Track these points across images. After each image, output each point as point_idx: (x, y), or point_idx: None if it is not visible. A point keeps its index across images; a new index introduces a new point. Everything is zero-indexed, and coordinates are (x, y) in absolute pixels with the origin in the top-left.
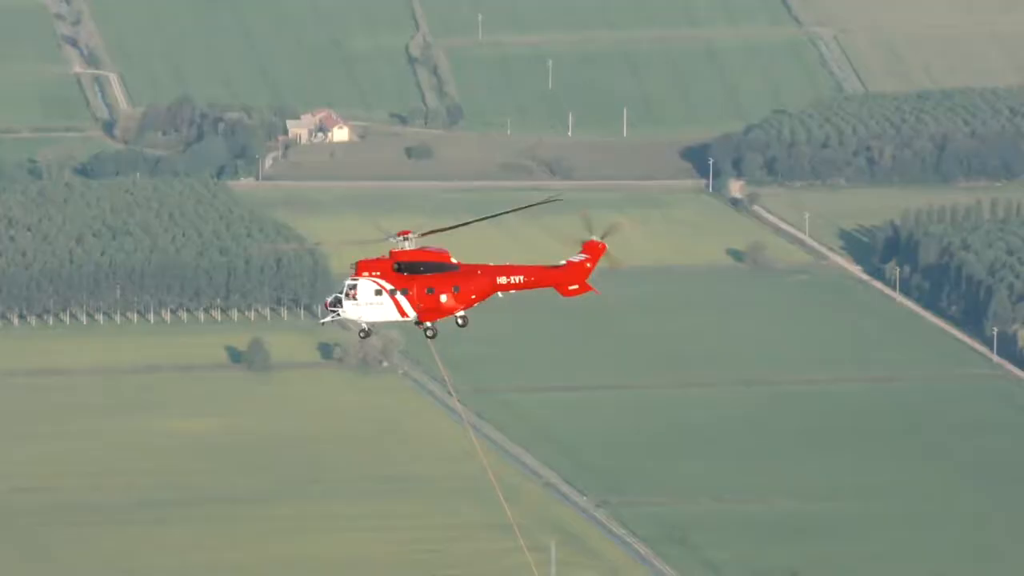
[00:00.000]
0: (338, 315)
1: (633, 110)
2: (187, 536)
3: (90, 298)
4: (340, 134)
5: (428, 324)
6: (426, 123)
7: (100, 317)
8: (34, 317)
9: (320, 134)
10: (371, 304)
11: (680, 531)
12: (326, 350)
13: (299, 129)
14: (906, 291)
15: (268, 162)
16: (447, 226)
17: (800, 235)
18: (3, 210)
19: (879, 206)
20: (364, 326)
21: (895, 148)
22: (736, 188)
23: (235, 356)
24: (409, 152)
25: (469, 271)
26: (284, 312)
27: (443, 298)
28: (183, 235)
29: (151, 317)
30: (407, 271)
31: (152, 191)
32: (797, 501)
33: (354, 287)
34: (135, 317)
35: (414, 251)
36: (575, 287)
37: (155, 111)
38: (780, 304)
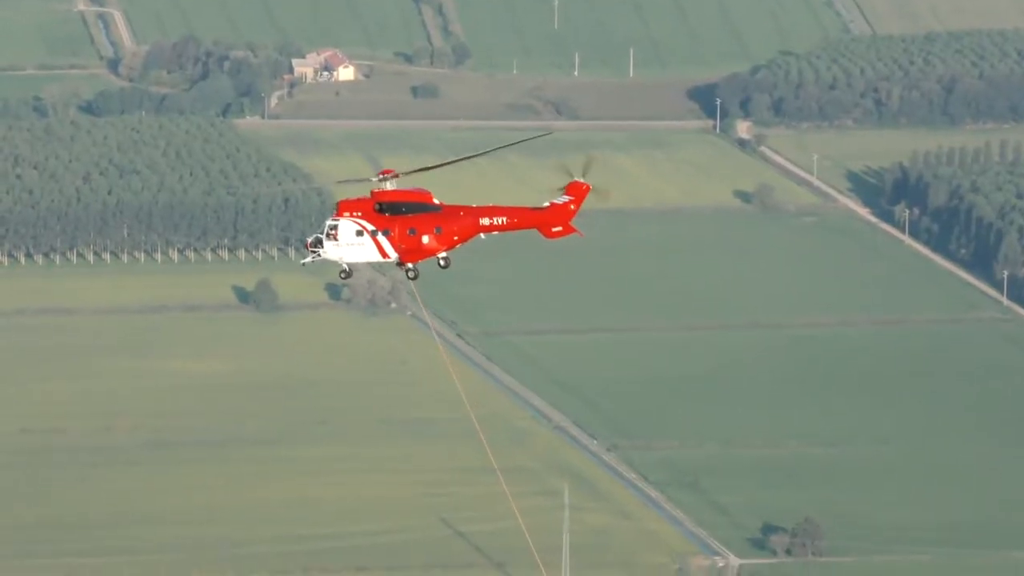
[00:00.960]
0: (319, 256)
1: (639, 50)
2: (193, 478)
3: (97, 237)
4: (345, 73)
5: (409, 265)
6: (432, 62)
7: (107, 256)
8: (40, 256)
9: (325, 73)
10: (352, 245)
11: (690, 475)
12: (334, 291)
13: (304, 68)
14: (915, 234)
15: (273, 101)
16: (430, 165)
17: (808, 177)
18: (9, 148)
19: (887, 148)
20: (345, 267)
21: (903, 90)
22: (743, 129)
23: (243, 296)
24: (415, 91)
25: (451, 212)
26: (292, 252)
27: (425, 239)
28: (190, 174)
29: (158, 257)
30: (389, 212)
31: (158, 129)
32: (806, 445)
33: (335, 228)
34: (142, 256)
35: (396, 191)
36: (558, 229)
37: (160, 49)
38: (788, 246)
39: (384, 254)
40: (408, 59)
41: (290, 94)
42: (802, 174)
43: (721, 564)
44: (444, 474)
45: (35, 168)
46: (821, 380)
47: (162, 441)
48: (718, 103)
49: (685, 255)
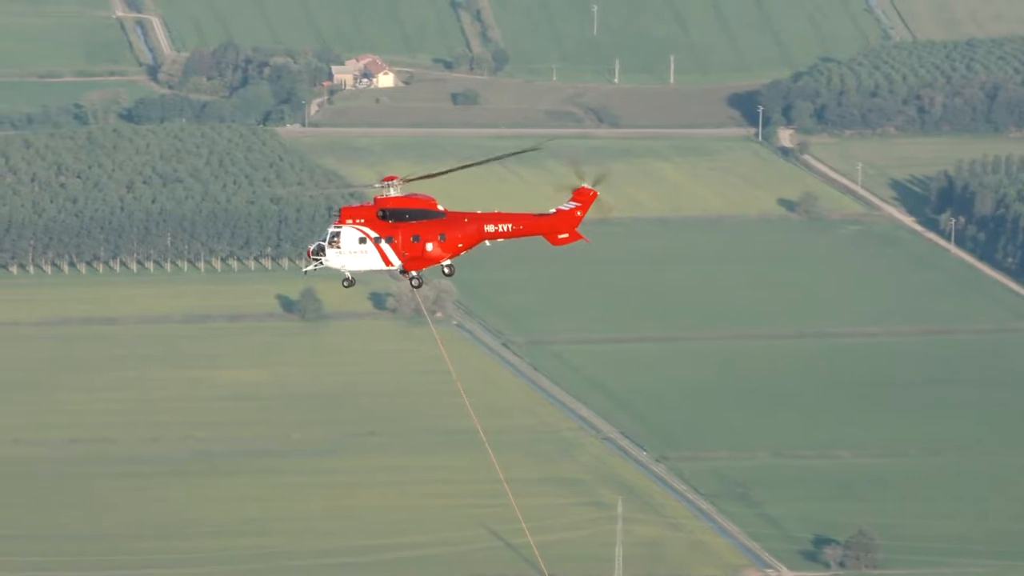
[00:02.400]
0: (321, 264)
1: (678, 57)
2: (242, 489)
3: (140, 246)
4: (385, 80)
5: (413, 273)
6: (471, 68)
7: (151, 265)
8: (84, 265)
9: (365, 80)
10: (355, 252)
11: (741, 486)
12: (379, 300)
13: (344, 74)
14: (961, 242)
15: (313, 108)
16: (434, 172)
17: (852, 185)
18: (52, 156)
19: (930, 155)
20: (347, 275)
21: (945, 97)
22: (785, 136)
23: (287, 305)
24: (455, 98)
25: (456, 219)
26: None
27: (429, 246)
28: (234, 182)
29: (201, 265)
30: (392, 218)
31: (201, 137)
32: (856, 456)
33: (337, 235)
34: (185, 265)
35: (399, 198)
36: (565, 236)
37: (199, 55)
38: (833, 255)
39: (387, 262)
40: (447, 65)
41: (330, 101)
42: (846, 182)
43: None
44: (493, 485)
45: (78, 177)
46: (869, 390)
47: (210, 452)
48: (760, 110)
49: (730, 264)
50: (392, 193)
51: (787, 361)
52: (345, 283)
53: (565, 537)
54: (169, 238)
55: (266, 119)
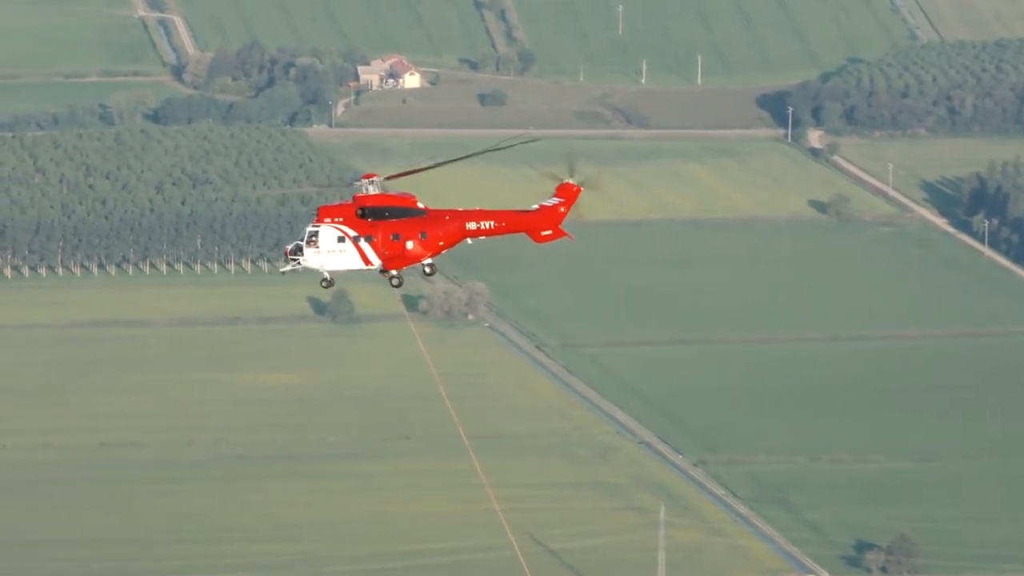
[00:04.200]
0: (299, 264)
1: (704, 58)
2: (275, 493)
3: (170, 248)
4: (411, 80)
5: (393, 272)
6: (497, 69)
7: (180, 267)
8: (113, 267)
9: (391, 80)
10: (333, 252)
11: (779, 491)
12: (411, 302)
13: (370, 75)
14: (994, 244)
15: (340, 108)
16: (414, 168)
17: (883, 186)
18: (80, 157)
19: (961, 157)
20: (326, 275)
21: (976, 98)
22: (815, 138)
23: (319, 308)
24: (482, 99)
25: (436, 216)
26: None
27: (409, 245)
28: (264, 184)
29: (231, 267)
30: (371, 217)
31: (230, 138)
32: (895, 460)
33: (315, 234)
34: (215, 267)
35: (379, 195)
36: (548, 232)
37: (224, 55)
38: (866, 257)
39: (367, 261)
40: (473, 66)
41: (356, 102)
42: (876, 184)
43: None
44: (530, 489)
45: (107, 178)
46: (906, 393)
47: (242, 456)
48: (790, 111)
49: (762, 265)
50: (371, 191)
51: (822, 364)
52: (323, 283)
53: (604, 542)
54: (199, 240)
55: (293, 120)
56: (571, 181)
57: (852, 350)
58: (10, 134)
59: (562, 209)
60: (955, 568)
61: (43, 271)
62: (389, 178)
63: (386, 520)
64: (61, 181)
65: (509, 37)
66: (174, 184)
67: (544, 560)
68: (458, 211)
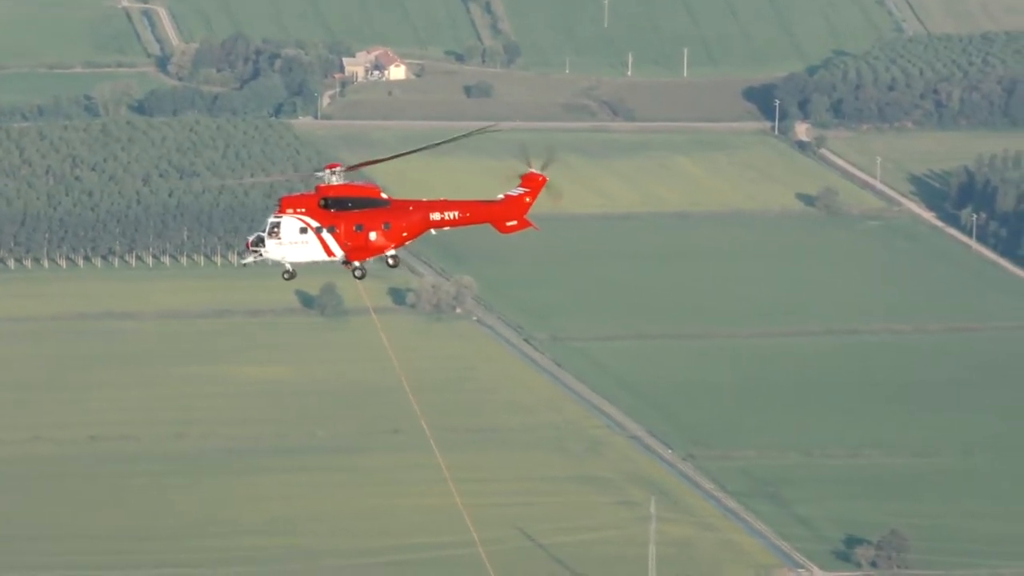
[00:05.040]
0: (260, 256)
1: (690, 50)
2: (267, 487)
3: (156, 240)
4: (396, 72)
5: (356, 264)
6: (483, 61)
7: (167, 259)
8: (99, 259)
9: (376, 72)
10: (295, 243)
11: (771, 486)
12: (399, 295)
13: (355, 67)
14: (983, 238)
15: (325, 100)
16: (378, 159)
17: (871, 180)
18: (66, 149)
19: (948, 150)
20: (288, 267)
21: (963, 91)
22: (802, 131)
23: (307, 301)
24: (468, 91)
25: (400, 207)
26: None
27: (372, 236)
28: (251, 176)
29: (218, 260)
30: (334, 207)
31: (216, 130)
32: (887, 455)
33: (277, 225)
34: (202, 260)
35: (342, 186)
36: (513, 223)
37: (209, 47)
38: (855, 251)
39: (330, 252)
40: (459, 58)
41: (342, 93)
42: (864, 177)
43: None
44: (520, 484)
45: (93, 170)
46: (899, 388)
47: (234, 449)
48: (777, 104)
49: (752, 259)
50: (334, 181)
51: (815, 359)
52: (285, 275)
53: (595, 537)
54: (186, 232)
55: (278, 111)
56: (536, 171)
57: (843, 344)
58: None
59: (527, 199)
60: (946, 563)
61: (29, 263)
62: (352, 168)
63: (379, 514)
64: (47, 172)
65: (494, 29)
66: (161, 176)
67: (535, 555)
68: (422, 201)
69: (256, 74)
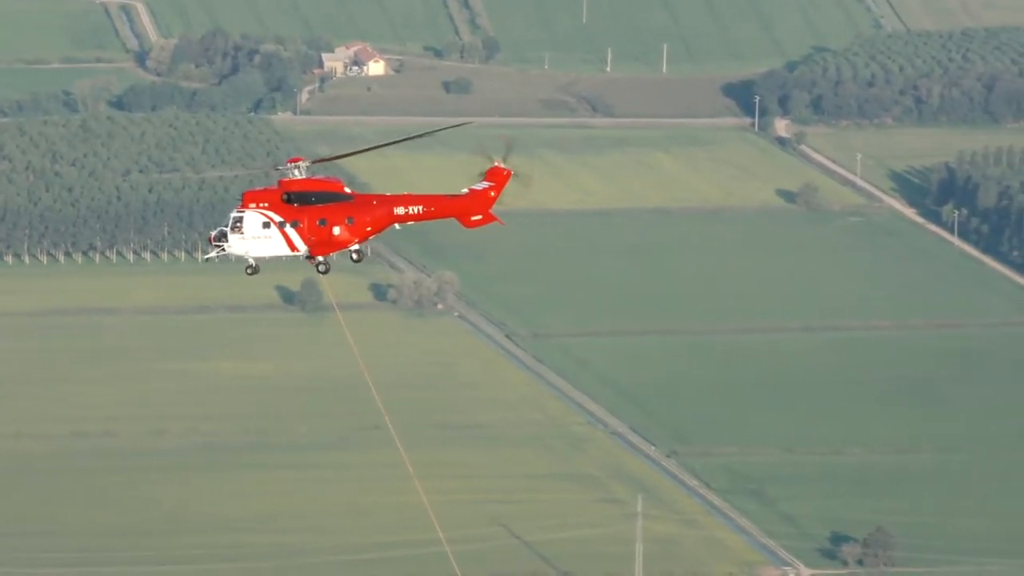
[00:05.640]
0: (223, 250)
1: (670, 46)
2: (248, 484)
3: (137, 236)
4: (375, 68)
5: (320, 259)
6: (462, 57)
7: (147, 255)
8: (80, 255)
9: (355, 67)
10: (258, 238)
11: (754, 483)
12: (380, 291)
13: (334, 62)
14: (964, 235)
15: (304, 96)
16: (342, 153)
17: (851, 176)
18: (46, 144)
19: (928, 146)
20: (251, 262)
21: (943, 87)
22: (782, 127)
23: (287, 296)
24: (447, 87)
25: (364, 201)
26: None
27: (336, 230)
28: (211, 168)
29: (199, 256)
30: (297, 202)
31: (195, 126)
32: (871, 452)
33: (240, 220)
34: (183, 255)
35: (305, 180)
36: (478, 217)
37: (187, 42)
38: (836, 247)
39: (293, 247)
40: (437, 53)
41: (321, 89)
42: (845, 173)
43: (792, 575)
44: (504, 481)
45: (73, 165)
46: (881, 384)
47: (214, 445)
48: (756, 100)
49: (733, 255)
50: (297, 175)
51: (796, 355)
52: (248, 270)
53: (580, 534)
54: (166, 228)
55: (257, 107)
56: (500, 164)
57: (825, 340)
58: None
59: (492, 193)
60: (932, 561)
61: (9, 259)
62: (315, 162)
63: (362, 511)
64: (27, 168)
65: (473, 24)
66: (141, 172)
67: (519, 553)
68: (386, 196)
69: (235, 70)
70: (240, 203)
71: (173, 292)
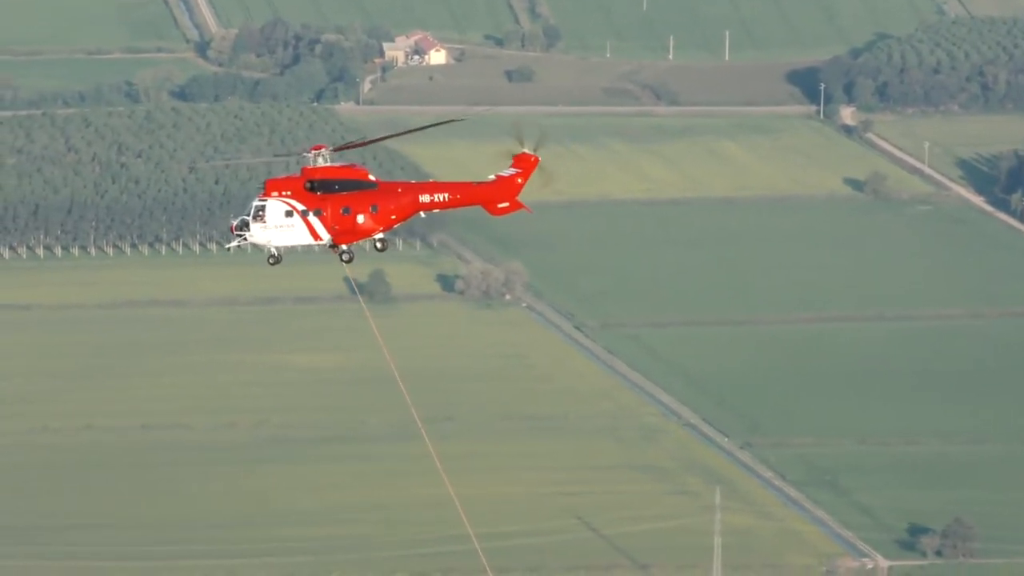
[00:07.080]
0: (245, 240)
1: (732, 33)
2: (323, 476)
3: (203, 227)
4: (437, 57)
5: (344, 248)
6: (523, 45)
7: (213, 247)
8: (146, 247)
9: (416, 57)
10: (281, 227)
11: (828, 474)
12: (447, 282)
13: (395, 52)
14: None
15: (366, 85)
16: (364, 140)
17: (918, 164)
18: (112, 136)
19: (995, 133)
20: (273, 251)
21: (1009, 74)
22: (847, 115)
23: (355, 287)
24: (509, 75)
25: (388, 189)
26: (400, 242)
27: (360, 219)
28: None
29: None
30: (321, 190)
31: (260, 116)
32: (946, 443)
33: (262, 208)
34: (249, 247)
35: (328, 168)
36: (505, 204)
37: (248, 32)
38: (905, 236)
39: (316, 236)
40: (498, 42)
41: (383, 78)
42: (912, 161)
43: (870, 566)
44: (578, 472)
45: (139, 157)
46: (955, 374)
47: (287, 437)
48: (822, 88)
49: (802, 244)
50: (320, 163)
51: (869, 345)
52: (271, 260)
53: (656, 527)
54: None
55: (320, 97)
56: (527, 151)
57: (897, 330)
58: (39, 111)
59: (519, 180)
60: (1012, 552)
61: (76, 251)
62: (337, 149)
63: (435, 503)
64: (93, 160)
65: (533, 13)
66: (207, 163)
67: (595, 544)
68: (411, 183)
69: (296, 60)
70: (262, 191)
71: (240, 283)
